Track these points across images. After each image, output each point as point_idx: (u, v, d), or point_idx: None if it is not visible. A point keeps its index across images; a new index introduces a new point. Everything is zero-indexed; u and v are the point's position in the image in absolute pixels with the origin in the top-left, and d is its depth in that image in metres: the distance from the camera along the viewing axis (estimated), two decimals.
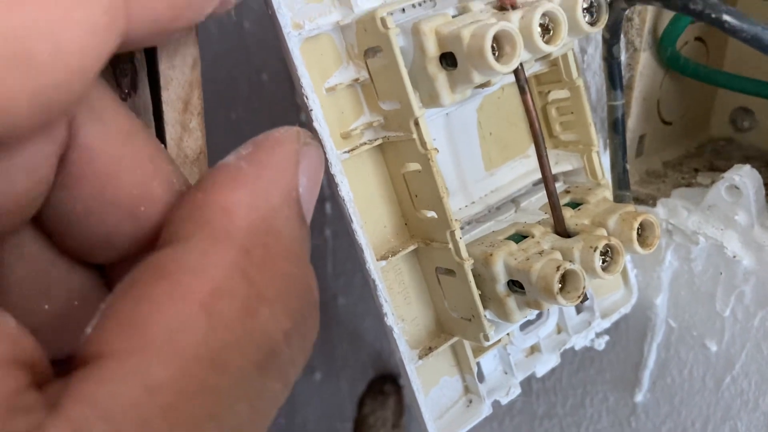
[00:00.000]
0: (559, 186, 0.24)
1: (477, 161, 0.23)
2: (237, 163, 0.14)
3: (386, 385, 0.43)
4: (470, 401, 0.23)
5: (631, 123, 0.25)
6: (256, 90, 0.44)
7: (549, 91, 0.23)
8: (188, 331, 0.11)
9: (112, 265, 0.15)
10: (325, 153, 0.19)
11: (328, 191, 0.42)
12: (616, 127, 0.23)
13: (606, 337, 0.26)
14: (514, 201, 0.23)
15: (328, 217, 0.43)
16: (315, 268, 0.42)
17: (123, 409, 0.10)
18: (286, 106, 0.44)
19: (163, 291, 0.12)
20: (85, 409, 0.10)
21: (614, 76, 0.22)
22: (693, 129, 0.28)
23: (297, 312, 0.13)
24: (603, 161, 0.24)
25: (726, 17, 0.15)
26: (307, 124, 0.19)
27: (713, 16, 0.15)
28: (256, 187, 0.13)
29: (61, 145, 0.13)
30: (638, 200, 0.25)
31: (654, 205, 0.24)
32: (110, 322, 0.12)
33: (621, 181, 0.22)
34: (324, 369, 0.50)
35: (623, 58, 0.23)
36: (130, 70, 0.18)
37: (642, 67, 0.24)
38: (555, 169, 0.24)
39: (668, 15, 0.23)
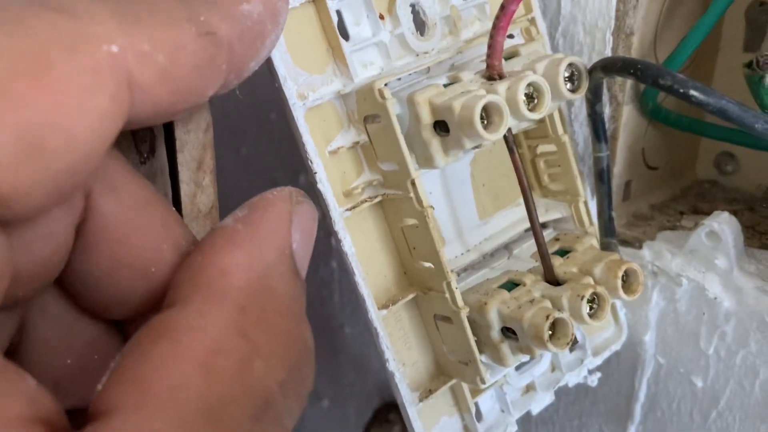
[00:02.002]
0: (549, 233, 0.25)
1: (471, 211, 0.25)
2: (233, 225, 0.15)
3: (391, 413, 0.44)
4: None
5: (617, 170, 0.26)
6: (265, 127, 0.46)
7: (537, 145, 0.24)
8: (187, 387, 0.12)
9: (128, 320, 0.16)
10: (320, 204, 0.20)
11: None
12: (601, 177, 0.24)
13: (598, 374, 0.27)
14: (507, 248, 0.25)
15: (335, 249, 0.45)
16: (322, 298, 0.44)
17: None
18: (293, 142, 0.45)
19: (164, 350, 0.13)
20: None
21: (598, 130, 0.23)
22: (678, 173, 0.29)
23: (292, 363, 0.14)
24: (591, 208, 0.25)
25: (693, 92, 0.17)
26: (313, 185, 0.21)
27: (681, 91, 0.17)
28: (251, 248, 0.15)
29: (78, 215, 0.14)
30: (625, 242, 0.26)
31: (640, 247, 0.26)
32: (117, 380, 0.13)
33: (607, 229, 0.24)
34: (331, 396, 0.51)
35: (607, 111, 0.25)
36: (149, 136, 0.20)
37: (625, 119, 0.25)
38: (545, 217, 0.25)
39: None
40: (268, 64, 0.19)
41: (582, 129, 0.26)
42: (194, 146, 0.21)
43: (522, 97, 0.19)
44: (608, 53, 0.24)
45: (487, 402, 0.25)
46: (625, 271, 0.22)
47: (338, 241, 0.21)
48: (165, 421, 0.12)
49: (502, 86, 0.19)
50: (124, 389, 0.13)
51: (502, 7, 0.19)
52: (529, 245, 0.25)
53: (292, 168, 0.48)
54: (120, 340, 0.17)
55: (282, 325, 0.14)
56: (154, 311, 0.15)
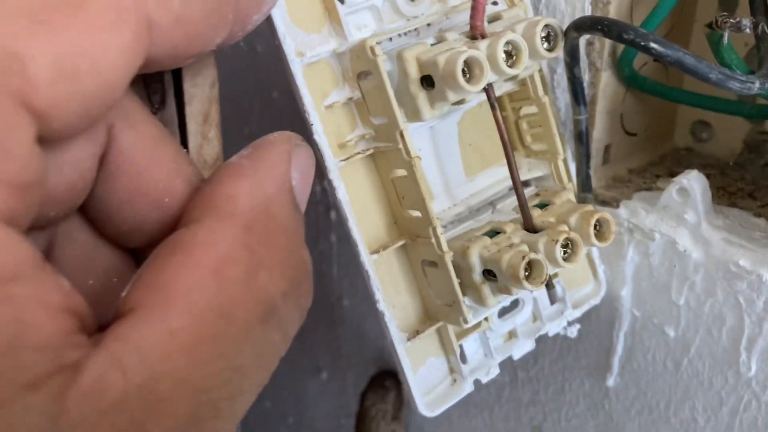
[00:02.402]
0: (531, 190, 0.27)
1: (458, 168, 0.26)
2: (238, 161, 0.17)
3: (387, 380, 0.46)
4: (454, 380, 0.26)
5: (597, 134, 0.28)
6: (267, 106, 0.48)
7: (521, 107, 0.26)
8: (201, 290, 0.14)
9: (143, 248, 0.18)
10: (317, 155, 0.22)
11: (333, 200, 0.45)
12: (580, 138, 0.26)
13: (578, 326, 0.28)
14: (491, 203, 0.27)
15: (334, 223, 0.47)
16: (321, 271, 0.46)
17: (150, 345, 0.13)
18: (295, 120, 0.47)
19: (179, 260, 0.15)
20: (121, 344, 0.13)
21: (577, 94, 0.25)
22: (657, 140, 0.31)
23: (292, 277, 0.16)
24: (571, 168, 0.27)
25: (652, 44, 0.18)
26: (310, 137, 0.23)
27: (642, 43, 0.18)
28: (255, 179, 0.16)
29: (101, 146, 0.16)
30: (604, 202, 0.28)
31: (617, 206, 0.27)
32: (138, 286, 0.15)
33: (584, 185, 0.25)
34: (330, 368, 0.53)
35: (586, 77, 0.27)
36: (160, 88, 0.22)
37: (604, 85, 0.27)
38: (527, 176, 0.27)
39: None
40: (269, 22, 0.21)
41: (564, 95, 0.28)
42: (201, 100, 0.22)
43: (501, 54, 0.21)
44: None
45: (471, 345, 0.26)
46: (598, 220, 0.23)
47: (333, 189, 0.23)
48: (182, 317, 0.14)
49: (483, 44, 0.21)
50: (144, 293, 0.14)
51: None
52: (512, 201, 0.26)
53: None
54: (136, 266, 0.19)
55: (283, 244, 0.16)
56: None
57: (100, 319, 0.17)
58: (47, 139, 0.14)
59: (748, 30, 0.20)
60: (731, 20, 0.20)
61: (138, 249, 0.18)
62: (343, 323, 0.50)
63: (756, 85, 0.19)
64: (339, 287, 0.49)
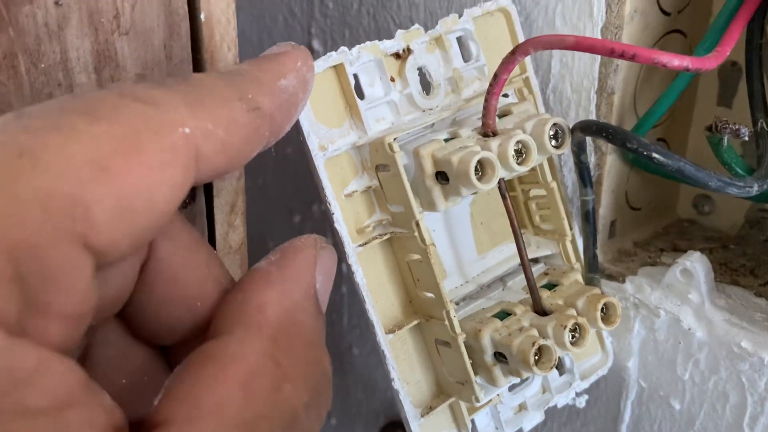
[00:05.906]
0: (540, 267, 0.28)
1: (470, 246, 0.28)
2: (267, 268, 0.18)
3: (397, 430, 0.46)
4: None
5: (603, 211, 0.29)
6: (281, 161, 0.49)
7: (530, 189, 0.27)
8: (230, 404, 0.15)
9: (173, 347, 0.19)
10: (339, 253, 0.23)
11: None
12: (587, 218, 0.27)
13: (586, 396, 0.29)
14: (502, 280, 0.28)
15: (344, 275, 0.48)
16: (331, 320, 0.47)
17: None
18: (307, 175, 0.49)
19: (210, 373, 0.15)
20: None
21: (584, 177, 0.26)
22: (660, 212, 0.32)
23: (314, 388, 0.17)
24: (579, 245, 0.28)
25: (654, 154, 0.20)
26: (330, 224, 0.24)
27: (645, 153, 0.20)
28: (282, 288, 0.17)
29: (142, 258, 0.17)
30: (610, 276, 0.29)
31: (623, 281, 0.28)
32: (171, 396, 0.15)
33: (591, 265, 0.27)
34: (339, 415, 0.54)
35: (592, 159, 0.28)
36: None
37: (609, 167, 0.28)
38: (536, 253, 0.28)
39: (629, 124, 0.28)
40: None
41: (571, 174, 0.29)
42: (228, 192, 0.24)
43: (512, 153, 0.22)
44: (593, 110, 0.27)
45: (482, 419, 0.27)
46: (605, 304, 0.24)
47: (351, 273, 0.24)
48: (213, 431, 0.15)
49: (494, 143, 0.22)
50: (177, 405, 0.15)
51: (495, 76, 0.22)
52: (522, 278, 0.28)
53: (306, 198, 0.52)
54: (165, 363, 0.20)
55: (307, 354, 0.17)
56: (197, 338, 0.18)
57: (130, 416, 0.18)
58: (100, 267, 0.15)
59: (746, 138, 0.21)
60: (730, 126, 0.21)
61: (168, 347, 0.19)
62: (353, 371, 0.51)
63: (755, 188, 0.21)
64: (349, 336, 0.50)
